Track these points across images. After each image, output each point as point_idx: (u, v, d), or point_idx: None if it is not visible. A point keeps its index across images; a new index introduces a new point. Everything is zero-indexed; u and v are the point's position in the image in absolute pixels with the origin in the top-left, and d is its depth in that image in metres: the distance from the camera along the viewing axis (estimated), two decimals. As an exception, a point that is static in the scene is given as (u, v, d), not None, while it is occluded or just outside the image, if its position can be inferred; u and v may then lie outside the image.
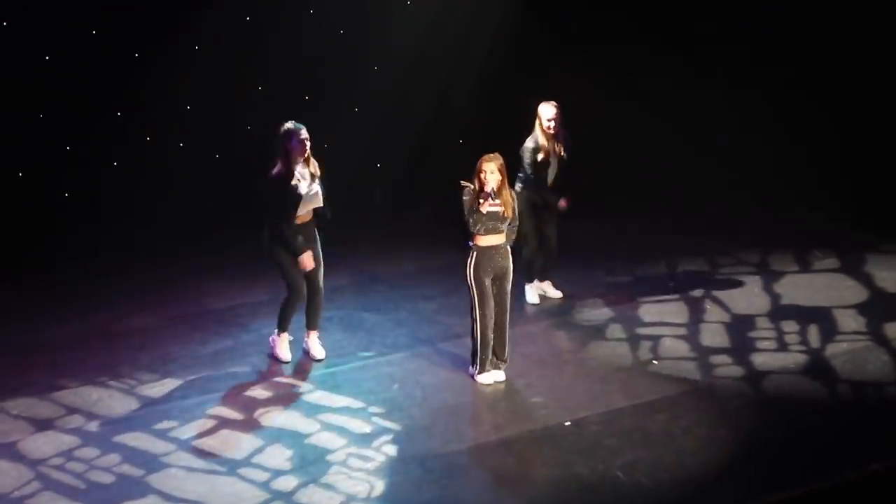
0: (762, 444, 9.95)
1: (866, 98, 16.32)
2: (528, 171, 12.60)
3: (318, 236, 11.56)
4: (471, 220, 10.78)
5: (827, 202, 15.65)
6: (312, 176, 11.31)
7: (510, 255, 11.04)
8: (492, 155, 10.87)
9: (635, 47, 17.58)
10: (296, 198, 11.16)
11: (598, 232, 15.31)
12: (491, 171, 10.74)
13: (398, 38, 16.86)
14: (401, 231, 15.75)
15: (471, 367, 11.17)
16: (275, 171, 11.18)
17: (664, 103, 17.38)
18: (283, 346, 11.72)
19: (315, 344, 11.77)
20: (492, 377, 11.10)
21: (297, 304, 11.56)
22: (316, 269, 11.52)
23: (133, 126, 15.76)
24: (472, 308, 10.98)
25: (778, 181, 16.29)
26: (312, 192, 11.31)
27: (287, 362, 11.60)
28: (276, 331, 11.72)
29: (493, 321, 10.97)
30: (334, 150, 15.49)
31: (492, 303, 10.94)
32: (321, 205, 11.44)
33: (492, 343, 11.03)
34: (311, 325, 11.78)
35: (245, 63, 16.17)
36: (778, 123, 16.89)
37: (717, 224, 15.46)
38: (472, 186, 10.81)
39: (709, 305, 12.88)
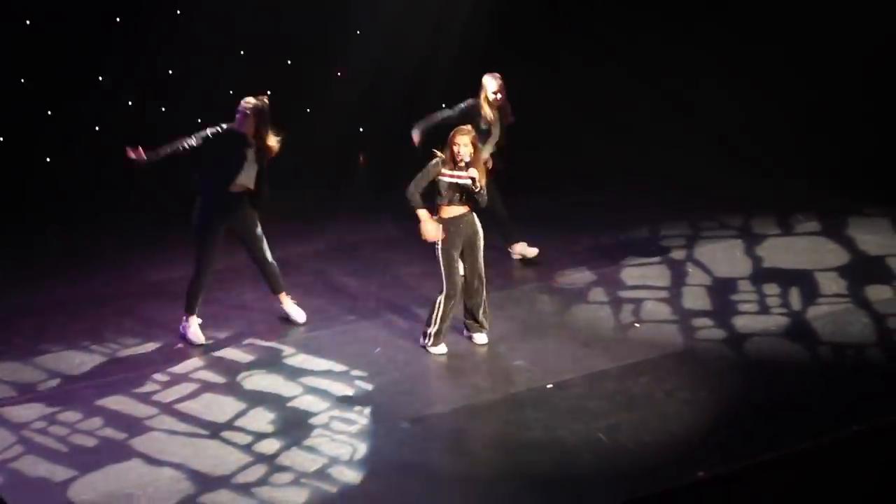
0: (744, 406, 10.00)
1: (848, 62, 16.32)
2: None
3: (253, 210, 11.29)
4: (441, 190, 10.76)
5: (809, 166, 15.64)
6: (256, 151, 11.07)
7: (477, 222, 11.02)
8: (465, 128, 10.86)
9: (619, 20, 17.57)
10: (233, 161, 11.00)
11: (581, 198, 15.27)
12: (465, 143, 10.72)
13: (382, 6, 16.80)
14: (383, 197, 15.70)
15: (422, 340, 11.12)
16: (223, 126, 11.04)
17: (648, 73, 17.40)
18: (194, 329, 11.37)
19: (292, 307, 11.71)
20: (443, 348, 11.06)
21: (204, 283, 11.30)
22: (258, 242, 11.39)
23: (115, 92, 15.72)
24: (442, 280, 10.96)
25: (760, 145, 16.30)
26: (248, 167, 11.08)
27: (201, 344, 11.32)
28: (185, 315, 11.39)
29: (458, 294, 10.94)
30: (317, 116, 15.52)
31: (459, 276, 10.91)
32: (251, 186, 11.16)
33: (451, 316, 10.98)
34: (276, 290, 11.67)
35: (227, 29, 16.10)
36: (760, 89, 16.89)
37: (699, 188, 15.44)
38: (441, 157, 10.80)
39: (691, 268, 12.90)
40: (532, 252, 13.21)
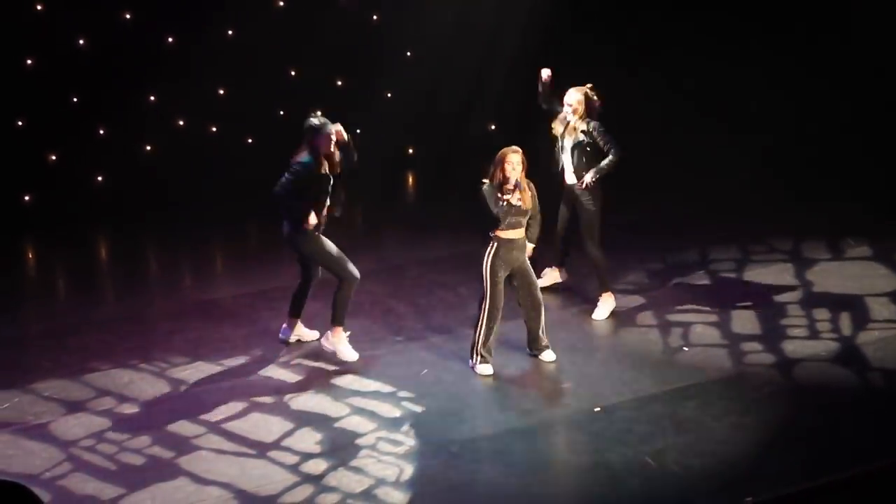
0: (793, 431, 9.94)
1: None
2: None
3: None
4: (501, 213, 10.69)
5: (860, 190, 15.53)
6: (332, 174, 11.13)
7: (526, 249, 11.00)
8: (515, 147, 10.78)
9: (674, 36, 17.56)
10: (321, 190, 11.02)
11: (630, 219, 15.18)
12: (517, 162, 10.68)
13: (431, 24, 16.85)
14: (432, 216, 15.71)
15: (470, 361, 11.09)
16: (301, 157, 10.95)
17: (701, 92, 17.35)
18: (345, 344, 11.34)
19: (297, 331, 11.74)
20: (490, 368, 11.02)
21: (353, 289, 11.26)
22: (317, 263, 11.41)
23: (166, 111, 15.84)
24: (483, 300, 10.92)
25: (811, 169, 16.20)
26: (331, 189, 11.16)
27: (354, 361, 11.28)
28: (331, 329, 11.33)
29: (499, 314, 10.91)
30: (367, 136, 15.55)
31: (502, 298, 10.89)
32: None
33: (493, 336, 10.97)
34: (296, 313, 11.71)
35: (278, 48, 16.21)
36: (812, 112, 16.83)
37: (749, 211, 15.34)
38: (489, 182, 10.72)
39: (740, 292, 12.81)
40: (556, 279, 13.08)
